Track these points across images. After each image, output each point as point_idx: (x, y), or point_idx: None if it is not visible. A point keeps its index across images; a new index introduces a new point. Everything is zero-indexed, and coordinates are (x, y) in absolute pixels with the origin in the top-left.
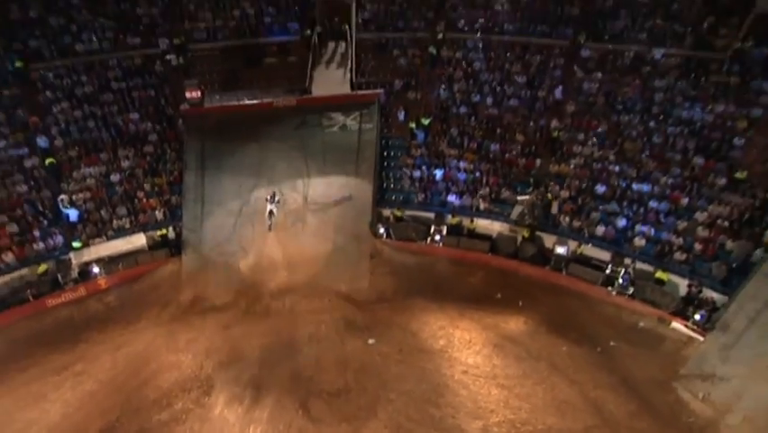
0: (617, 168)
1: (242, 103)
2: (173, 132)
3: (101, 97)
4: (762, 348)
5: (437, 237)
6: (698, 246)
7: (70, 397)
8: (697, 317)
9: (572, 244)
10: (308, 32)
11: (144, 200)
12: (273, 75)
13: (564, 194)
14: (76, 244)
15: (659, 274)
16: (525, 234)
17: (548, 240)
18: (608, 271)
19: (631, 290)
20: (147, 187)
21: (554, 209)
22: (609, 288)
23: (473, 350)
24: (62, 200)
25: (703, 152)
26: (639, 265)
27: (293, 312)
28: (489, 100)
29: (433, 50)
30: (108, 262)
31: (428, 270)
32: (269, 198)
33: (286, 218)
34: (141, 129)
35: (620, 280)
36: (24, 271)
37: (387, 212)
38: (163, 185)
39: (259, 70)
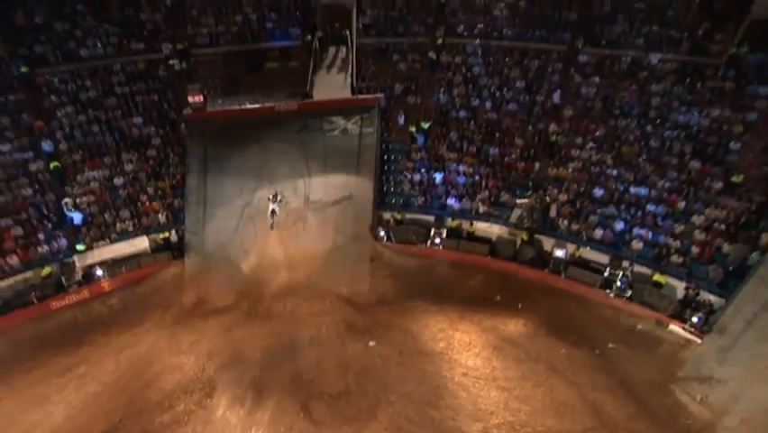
0: (614, 171)
1: (243, 107)
2: (176, 136)
3: (105, 102)
4: (759, 350)
5: (437, 240)
6: (695, 249)
7: (74, 399)
8: (694, 319)
9: (571, 247)
10: (309, 37)
11: (147, 204)
12: (275, 79)
13: (563, 197)
14: (79, 247)
15: (656, 277)
16: (525, 237)
17: (547, 243)
18: (606, 274)
19: (629, 293)
20: (150, 190)
21: (553, 213)
22: (607, 290)
23: (473, 352)
24: (66, 204)
25: (700, 155)
26: (637, 268)
27: (294, 315)
28: (489, 104)
29: (432, 54)
30: (111, 265)
31: (428, 272)
32: (271, 197)
33: (287, 218)
34: (145, 133)
35: (618, 283)
36: (29, 273)
37: (387, 215)
38: (166, 188)
39: (260, 75)
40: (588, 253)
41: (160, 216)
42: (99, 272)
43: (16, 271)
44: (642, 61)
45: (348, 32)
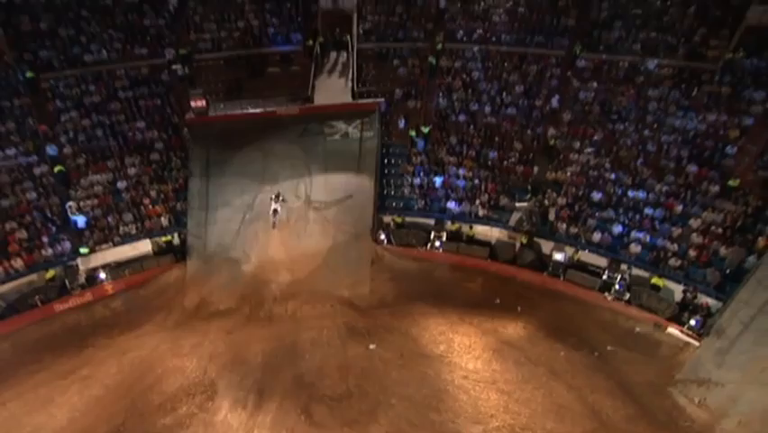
0: (612, 175)
1: (245, 111)
2: (178, 140)
3: (109, 106)
4: (756, 353)
5: (437, 243)
6: (692, 253)
7: (77, 401)
8: (692, 322)
9: (570, 251)
10: (311, 42)
11: (150, 207)
12: (276, 84)
13: (561, 201)
14: (83, 250)
15: (654, 280)
16: (524, 240)
17: (546, 246)
18: (604, 277)
19: (627, 296)
20: (153, 194)
21: (552, 216)
22: (606, 293)
23: (473, 355)
24: (70, 207)
25: (696, 159)
26: (635, 271)
27: (295, 318)
28: (488, 109)
29: (432, 59)
30: (114, 268)
31: (428, 275)
32: (273, 196)
33: (289, 217)
34: (148, 137)
35: (617, 286)
36: (33, 276)
37: (387, 218)
38: (168, 192)
39: (262, 80)
40: (586, 256)
41: (162, 219)
42: (102, 275)
43: (21, 275)
44: (639, 67)
45: (349, 38)
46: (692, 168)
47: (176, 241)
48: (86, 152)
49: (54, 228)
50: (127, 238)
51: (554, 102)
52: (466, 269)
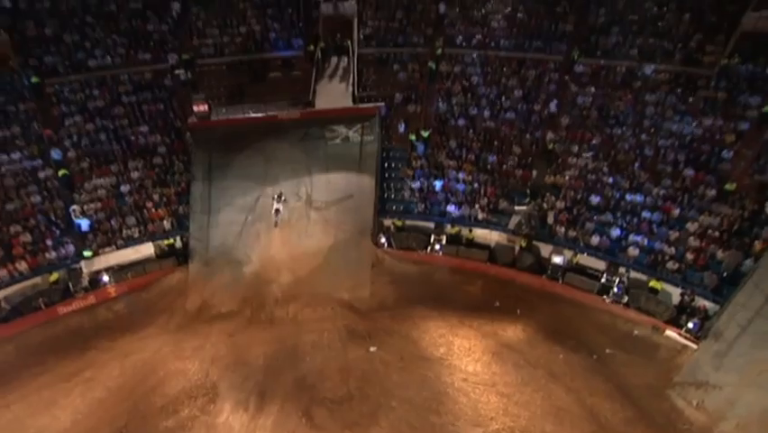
0: (610, 179)
1: (247, 116)
2: (181, 144)
3: (112, 111)
4: (753, 356)
5: (437, 247)
6: (689, 256)
7: (80, 403)
8: (690, 325)
9: (568, 254)
10: (312, 47)
11: (153, 210)
12: (278, 89)
13: (560, 204)
14: (86, 253)
15: (653, 283)
16: (523, 243)
17: (545, 249)
18: (603, 280)
19: (626, 299)
20: (155, 197)
21: (550, 219)
22: (604, 296)
23: (473, 358)
24: (74, 210)
25: (693, 164)
26: (633, 274)
27: (296, 320)
28: (487, 113)
29: (432, 64)
30: (117, 271)
31: (428, 279)
32: (275, 196)
33: (290, 217)
34: (151, 141)
35: (615, 289)
36: (37, 279)
37: (388, 222)
38: (171, 196)
39: (264, 84)
40: (585, 260)
41: (165, 222)
42: (105, 278)
43: (25, 277)
44: (636, 72)
45: (349, 43)
46: (689, 172)
47: (178, 244)
48: (89, 156)
49: (58, 231)
50: (130, 241)
51: (553, 106)
52: (466, 272)
